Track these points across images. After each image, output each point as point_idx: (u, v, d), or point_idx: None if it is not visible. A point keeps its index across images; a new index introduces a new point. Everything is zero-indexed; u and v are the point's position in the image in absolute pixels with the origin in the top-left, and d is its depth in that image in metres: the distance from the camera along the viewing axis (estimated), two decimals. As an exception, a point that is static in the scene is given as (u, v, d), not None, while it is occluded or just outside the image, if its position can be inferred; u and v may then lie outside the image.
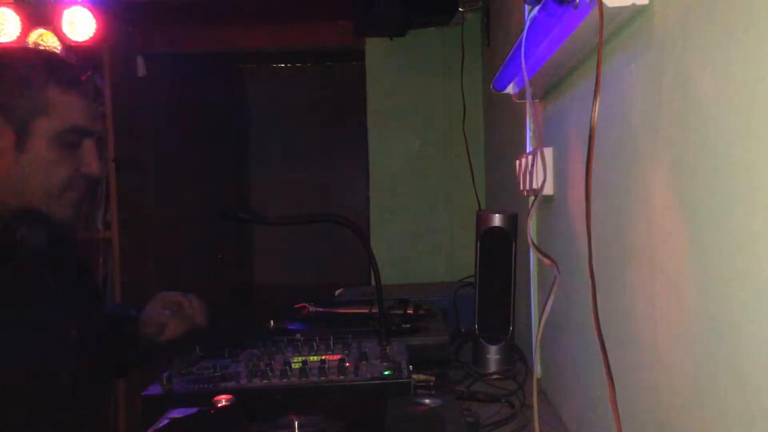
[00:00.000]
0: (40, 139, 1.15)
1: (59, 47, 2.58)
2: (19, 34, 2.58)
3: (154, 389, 1.11)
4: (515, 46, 1.14)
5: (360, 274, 3.28)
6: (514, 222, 1.50)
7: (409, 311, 1.61)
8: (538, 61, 1.11)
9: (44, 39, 2.60)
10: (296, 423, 0.91)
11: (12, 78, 1.15)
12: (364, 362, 1.18)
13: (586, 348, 0.98)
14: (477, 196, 2.70)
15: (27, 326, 1.17)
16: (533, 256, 1.44)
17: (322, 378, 1.13)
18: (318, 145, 4.83)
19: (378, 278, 1.36)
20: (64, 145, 1.17)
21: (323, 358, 1.20)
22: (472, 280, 1.72)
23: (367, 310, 1.62)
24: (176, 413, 1.08)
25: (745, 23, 0.50)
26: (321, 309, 1.72)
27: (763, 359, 0.48)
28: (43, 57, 1.23)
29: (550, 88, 1.23)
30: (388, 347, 1.27)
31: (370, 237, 2.90)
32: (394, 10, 2.47)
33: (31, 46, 2.52)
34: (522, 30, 1.07)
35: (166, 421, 1.05)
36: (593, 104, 0.70)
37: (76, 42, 2.59)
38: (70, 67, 1.23)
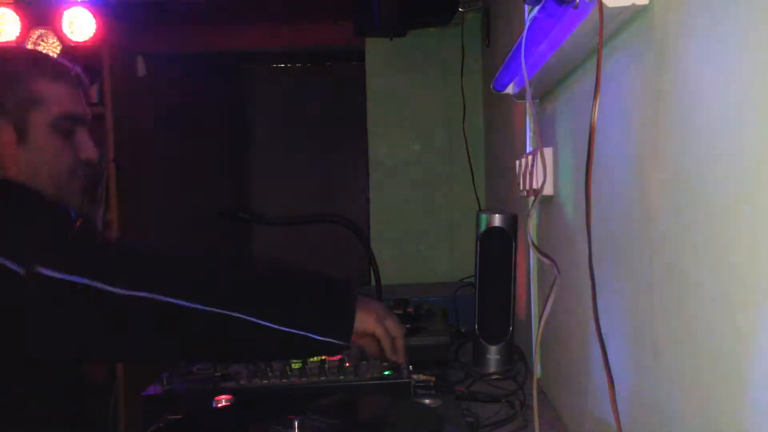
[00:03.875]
0: (40, 129, 1.18)
1: (59, 47, 2.58)
2: (18, 34, 2.58)
3: (154, 389, 1.11)
4: (515, 46, 1.14)
5: (360, 274, 3.28)
6: (514, 222, 1.50)
7: (409, 311, 1.61)
8: (538, 61, 1.10)
9: (44, 39, 2.60)
10: (296, 423, 0.91)
11: (3, 76, 1.18)
12: (364, 362, 1.18)
13: (586, 348, 0.98)
14: (477, 196, 2.70)
15: None
16: (533, 256, 1.44)
17: (322, 378, 1.13)
18: (318, 145, 4.83)
19: (378, 278, 1.36)
20: (61, 133, 1.20)
21: (323, 358, 1.20)
22: (472, 280, 1.72)
23: (367, 310, 1.61)
24: (176, 413, 1.08)
25: (744, 24, 0.50)
26: (321, 309, 1.71)
27: (763, 358, 0.48)
28: (28, 53, 1.29)
29: (550, 88, 1.23)
30: (388, 347, 1.27)
31: (370, 237, 2.90)
32: (394, 10, 2.47)
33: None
34: (522, 30, 1.07)
35: (166, 421, 1.05)
36: (593, 104, 0.70)
37: (76, 42, 2.59)
38: (53, 60, 1.28)
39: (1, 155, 1.16)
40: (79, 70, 1.30)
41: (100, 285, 0.91)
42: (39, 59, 1.26)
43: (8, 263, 0.89)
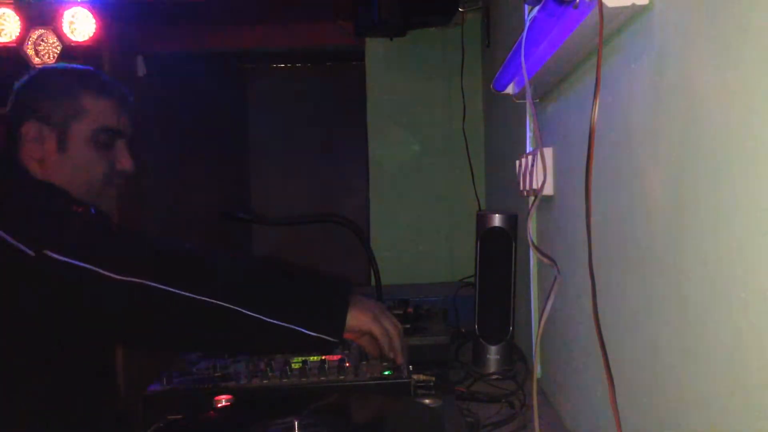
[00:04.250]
0: (78, 140, 1.30)
1: (59, 47, 2.58)
2: (19, 34, 2.58)
3: (155, 388, 1.11)
4: (515, 46, 1.14)
5: (360, 274, 3.28)
6: (514, 222, 1.50)
7: (409, 311, 1.61)
8: (538, 61, 1.10)
9: (44, 39, 2.60)
10: (296, 423, 0.91)
11: (52, 89, 1.32)
12: (364, 362, 1.18)
13: (586, 348, 0.98)
14: (477, 196, 2.70)
15: None
16: (533, 256, 1.44)
17: (322, 378, 1.13)
18: (318, 145, 4.83)
19: (378, 278, 1.36)
20: (99, 145, 1.32)
21: (323, 358, 1.20)
22: (472, 280, 1.72)
23: (367, 310, 1.61)
24: (176, 413, 1.08)
25: (745, 23, 0.50)
26: (321, 309, 1.71)
27: (763, 358, 0.48)
28: (78, 70, 1.40)
29: (550, 88, 1.23)
30: (388, 347, 1.27)
31: (370, 237, 2.90)
32: (394, 10, 2.47)
33: (32, 51, 2.57)
34: (522, 30, 1.07)
35: (166, 421, 1.05)
36: (593, 104, 0.70)
37: (76, 42, 2.59)
38: (98, 75, 1.41)
39: (43, 161, 1.29)
40: (126, 90, 1.42)
41: (98, 270, 1.00)
42: (86, 75, 1.38)
43: (21, 246, 1.01)
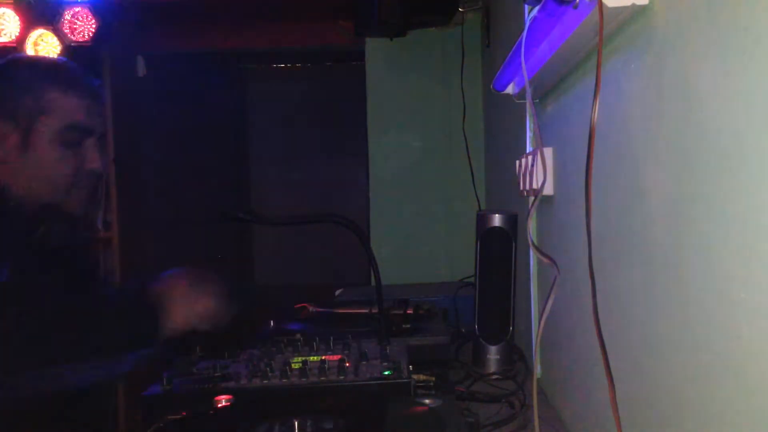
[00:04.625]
0: (43, 138, 1.23)
1: (59, 47, 2.58)
2: (18, 34, 2.58)
3: (154, 389, 1.11)
4: (515, 46, 1.14)
5: (360, 274, 3.28)
6: (514, 222, 1.50)
7: (409, 311, 1.61)
8: (538, 61, 1.11)
9: (44, 39, 2.60)
10: (296, 423, 0.91)
11: (16, 83, 1.25)
12: (364, 362, 1.18)
13: (586, 348, 0.98)
14: (477, 196, 2.70)
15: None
16: (533, 256, 1.44)
17: (322, 378, 1.13)
18: (318, 145, 4.84)
19: (378, 278, 1.36)
20: (66, 143, 1.25)
21: (323, 358, 1.20)
22: (472, 280, 1.72)
23: (367, 310, 1.62)
24: (176, 413, 1.08)
25: (745, 23, 0.50)
26: (321, 309, 1.72)
27: (763, 359, 0.48)
28: (46, 62, 1.35)
29: (550, 88, 1.23)
30: (388, 347, 1.27)
31: (370, 237, 2.90)
32: (394, 10, 2.47)
33: (32, 51, 2.55)
34: (522, 30, 1.07)
35: (165, 421, 1.05)
36: (593, 104, 0.70)
37: (76, 42, 2.59)
38: (69, 69, 1.32)
39: (4, 161, 1.22)
40: (98, 83, 1.34)
41: None
42: (55, 69, 1.30)
43: None
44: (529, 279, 1.48)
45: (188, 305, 1.17)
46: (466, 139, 2.73)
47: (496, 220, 1.49)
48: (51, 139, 1.23)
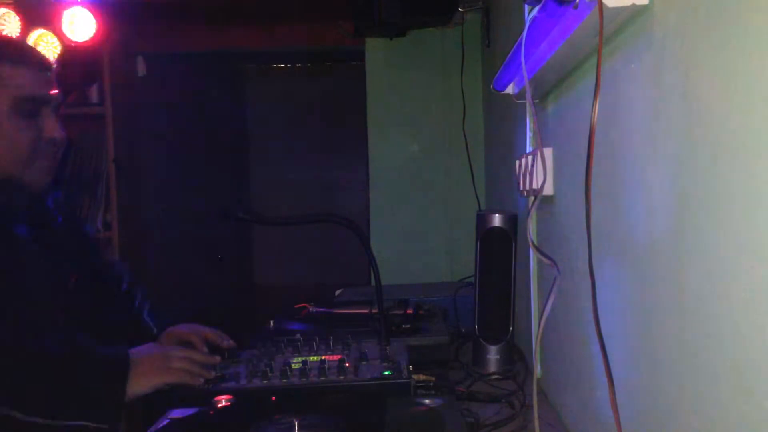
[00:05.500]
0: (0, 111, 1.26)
1: (59, 47, 2.58)
2: (18, 34, 2.58)
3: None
4: (515, 46, 1.14)
5: (360, 274, 3.28)
6: (514, 222, 1.50)
7: (409, 311, 1.61)
8: (538, 61, 1.10)
9: (44, 39, 2.60)
10: (296, 423, 0.91)
11: None
12: (364, 362, 1.18)
13: (586, 348, 0.98)
14: (477, 196, 2.70)
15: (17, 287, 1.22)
16: (533, 256, 1.44)
17: (322, 378, 1.13)
18: (318, 145, 4.83)
19: (378, 278, 1.36)
20: (23, 114, 1.27)
21: (323, 358, 1.20)
22: (472, 280, 1.72)
23: (367, 311, 1.62)
24: (176, 413, 1.08)
25: (745, 23, 0.50)
26: (321, 309, 1.72)
27: (762, 359, 0.48)
28: None
29: (550, 88, 1.23)
30: (388, 347, 1.27)
31: (370, 237, 2.90)
32: (394, 10, 2.47)
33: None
34: (522, 30, 1.07)
35: (166, 421, 1.05)
36: (593, 104, 0.70)
37: (76, 42, 2.59)
38: (15, 44, 1.37)
39: None
40: (42, 55, 1.36)
41: None
42: (3, 44, 1.34)
43: None
44: (529, 279, 1.48)
45: (152, 380, 1.16)
46: (466, 139, 2.73)
47: (496, 220, 1.49)
48: (6, 111, 1.26)
